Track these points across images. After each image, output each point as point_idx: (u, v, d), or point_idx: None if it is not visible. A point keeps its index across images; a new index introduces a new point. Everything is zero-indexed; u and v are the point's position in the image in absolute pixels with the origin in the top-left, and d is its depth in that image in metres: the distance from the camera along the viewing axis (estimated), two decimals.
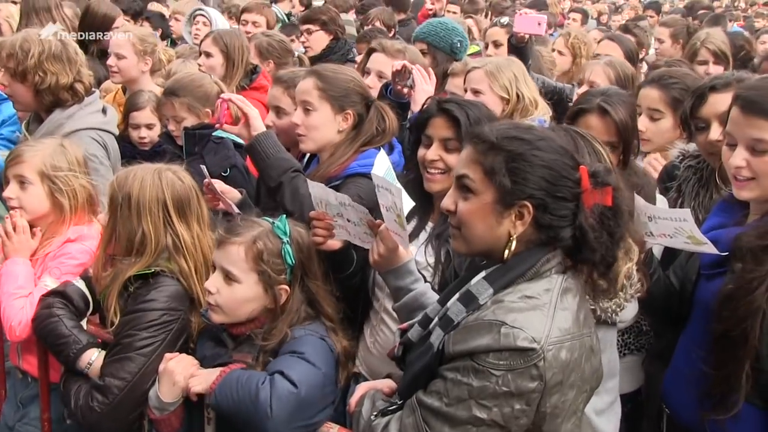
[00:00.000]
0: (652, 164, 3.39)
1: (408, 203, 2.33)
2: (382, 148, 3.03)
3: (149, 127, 4.27)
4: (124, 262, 2.57)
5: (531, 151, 1.81)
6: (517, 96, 3.79)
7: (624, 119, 2.85)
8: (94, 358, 2.55)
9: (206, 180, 2.97)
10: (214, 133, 3.67)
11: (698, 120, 3.00)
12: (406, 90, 3.56)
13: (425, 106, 2.75)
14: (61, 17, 5.16)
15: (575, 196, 1.81)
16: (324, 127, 3.03)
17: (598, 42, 5.40)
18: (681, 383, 2.49)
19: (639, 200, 2.32)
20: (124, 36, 4.66)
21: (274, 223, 2.44)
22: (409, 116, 3.57)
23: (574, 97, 4.19)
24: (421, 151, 2.68)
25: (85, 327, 2.72)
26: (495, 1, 9.46)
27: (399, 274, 2.36)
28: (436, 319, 1.92)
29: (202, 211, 2.69)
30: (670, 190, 3.13)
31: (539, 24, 4.37)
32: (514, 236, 1.82)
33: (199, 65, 4.64)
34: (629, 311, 2.58)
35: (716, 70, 4.71)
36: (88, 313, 2.79)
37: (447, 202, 1.91)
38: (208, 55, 4.63)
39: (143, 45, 4.61)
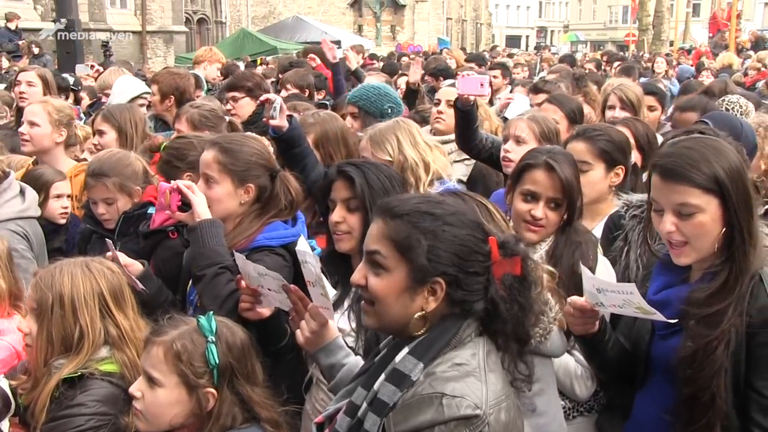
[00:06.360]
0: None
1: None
2: (302, 235, 3.00)
3: None
4: (56, 364, 2.41)
5: (443, 227, 1.80)
6: (404, 158, 3.73)
7: (569, 177, 2.89)
8: None
9: (109, 253, 2.89)
10: (149, 211, 3.57)
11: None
12: (272, 122, 3.65)
13: (328, 172, 2.82)
14: None
15: (486, 269, 1.82)
16: (225, 200, 3.01)
17: (540, 104, 5.44)
18: None
19: (587, 272, 2.32)
20: (40, 105, 4.50)
21: (199, 320, 2.29)
22: None
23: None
24: (329, 216, 2.76)
25: (6, 430, 2.52)
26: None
27: (330, 351, 2.30)
28: (365, 404, 1.83)
29: (132, 298, 2.58)
30: (617, 239, 3.17)
31: (482, 85, 4.35)
32: (425, 313, 1.80)
33: (94, 144, 4.55)
34: (556, 341, 2.58)
35: (623, 115, 4.91)
36: (9, 414, 2.56)
37: (357, 277, 1.88)
38: (101, 133, 4.52)
39: (59, 115, 4.45)
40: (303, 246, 2.36)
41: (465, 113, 4.40)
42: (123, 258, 2.93)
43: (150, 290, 2.96)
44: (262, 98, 3.74)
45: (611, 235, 3.23)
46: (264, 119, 3.70)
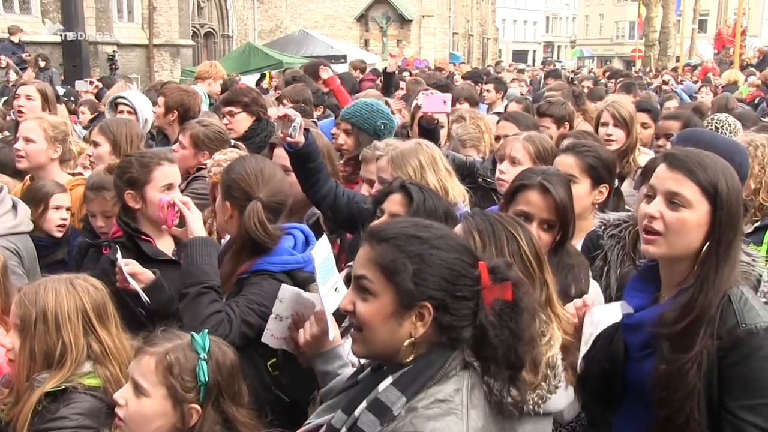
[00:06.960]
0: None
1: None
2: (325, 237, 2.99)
3: None
4: (39, 378, 2.42)
5: (429, 251, 1.78)
6: (425, 183, 3.66)
7: (563, 199, 2.89)
8: None
9: (118, 262, 2.88)
10: None
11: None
12: (290, 139, 3.59)
13: (390, 183, 2.83)
14: None
15: (475, 294, 1.80)
16: (218, 212, 3.11)
17: (498, 122, 5.43)
18: None
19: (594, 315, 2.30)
20: (35, 121, 4.52)
21: (193, 336, 2.31)
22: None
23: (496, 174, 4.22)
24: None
25: None
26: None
27: (327, 358, 2.31)
28: (344, 429, 1.82)
29: (116, 314, 2.59)
30: (596, 259, 3.17)
31: (444, 102, 4.45)
32: (414, 339, 1.78)
33: (88, 155, 4.56)
34: (560, 400, 2.50)
35: (615, 131, 4.97)
36: None
37: (344, 303, 1.87)
38: (96, 144, 4.54)
39: (54, 131, 4.47)
40: (318, 249, 2.32)
41: (429, 131, 4.45)
42: (133, 266, 2.91)
43: (157, 301, 2.91)
44: (280, 113, 3.62)
45: (590, 255, 3.22)
46: (281, 135, 3.60)
